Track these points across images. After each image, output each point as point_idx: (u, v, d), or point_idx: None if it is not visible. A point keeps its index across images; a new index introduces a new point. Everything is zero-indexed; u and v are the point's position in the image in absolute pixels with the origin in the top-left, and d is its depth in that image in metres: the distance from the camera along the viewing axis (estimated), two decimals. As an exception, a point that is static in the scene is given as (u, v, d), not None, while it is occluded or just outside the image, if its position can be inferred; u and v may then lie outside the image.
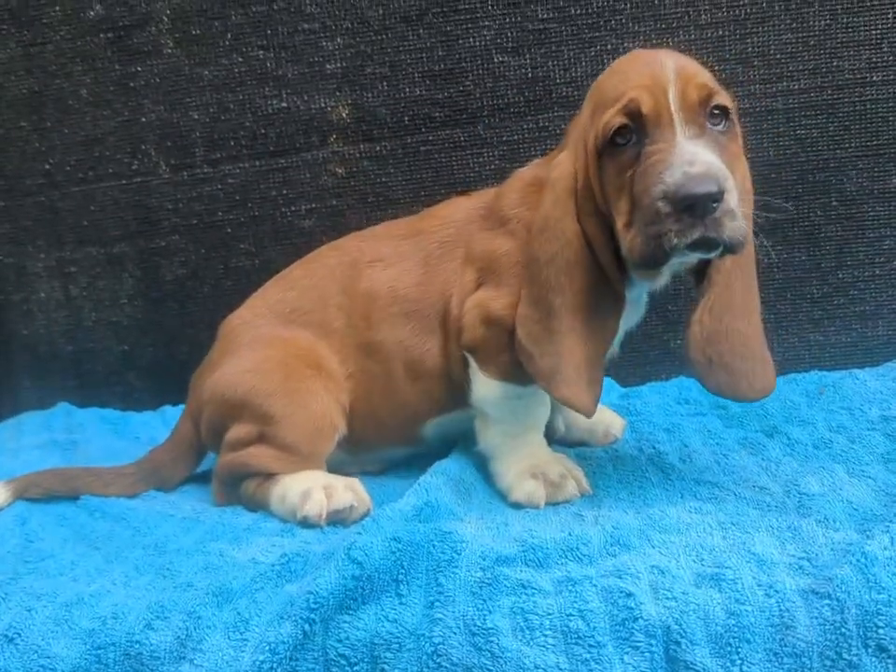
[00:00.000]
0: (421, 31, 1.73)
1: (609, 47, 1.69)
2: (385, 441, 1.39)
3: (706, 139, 1.05)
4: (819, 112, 1.67)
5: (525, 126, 1.75)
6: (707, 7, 1.65)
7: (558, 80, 1.72)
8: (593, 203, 1.13)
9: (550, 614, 0.88)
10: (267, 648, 0.87)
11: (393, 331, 1.32)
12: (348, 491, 1.22)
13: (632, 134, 1.07)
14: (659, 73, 1.07)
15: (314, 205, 1.83)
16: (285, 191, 1.84)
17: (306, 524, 1.21)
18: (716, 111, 1.07)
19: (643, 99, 1.06)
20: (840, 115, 1.67)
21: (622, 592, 0.89)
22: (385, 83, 1.77)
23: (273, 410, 1.29)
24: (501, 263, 1.24)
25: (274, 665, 0.87)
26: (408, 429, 1.36)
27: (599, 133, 1.09)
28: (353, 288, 1.36)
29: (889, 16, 1.63)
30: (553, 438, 1.39)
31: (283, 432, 1.29)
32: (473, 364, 1.26)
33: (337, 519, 1.20)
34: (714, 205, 0.99)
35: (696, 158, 1.00)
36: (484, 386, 1.25)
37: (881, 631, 0.84)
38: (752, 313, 1.17)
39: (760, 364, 1.15)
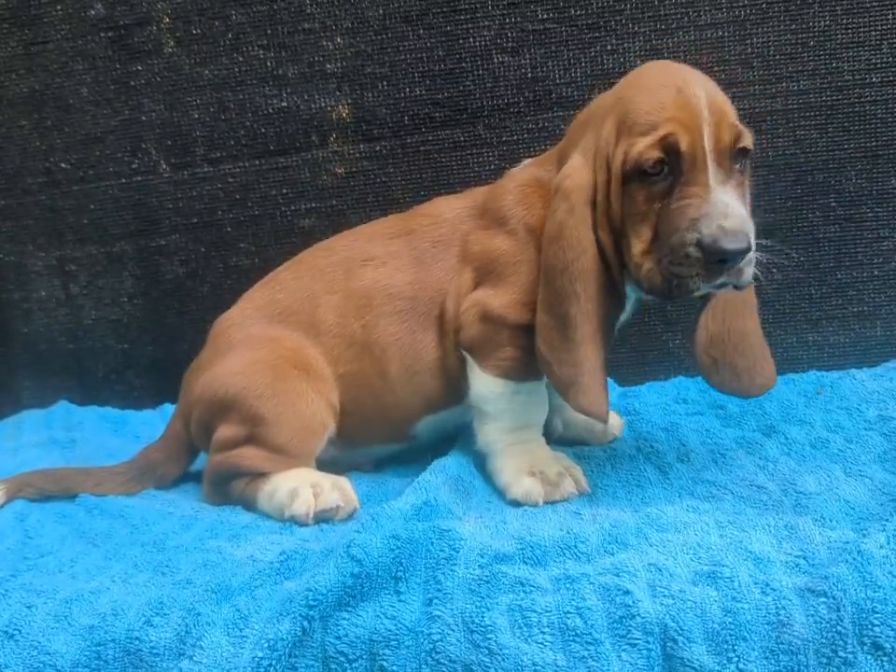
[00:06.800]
0: (421, 31, 1.74)
1: (608, 47, 1.70)
2: (376, 438, 1.40)
3: (732, 184, 1.08)
4: (818, 113, 1.67)
5: (525, 126, 1.75)
6: (706, 8, 1.66)
7: (558, 80, 1.72)
8: (607, 217, 1.14)
9: (548, 611, 0.89)
10: (266, 644, 0.88)
11: (387, 330, 1.33)
12: (335, 490, 1.22)
13: (665, 167, 1.09)
14: (694, 106, 1.08)
15: (313, 205, 1.84)
16: (285, 191, 1.84)
17: (293, 522, 1.21)
18: (740, 152, 1.10)
19: (681, 136, 1.07)
20: (839, 116, 1.67)
21: (619, 589, 0.89)
22: (385, 83, 1.77)
23: (263, 411, 1.29)
24: (500, 262, 1.25)
25: (273, 662, 0.87)
26: (400, 427, 1.37)
27: (631, 160, 1.10)
28: (345, 288, 1.36)
29: (889, 17, 1.63)
30: (551, 437, 1.40)
31: (272, 433, 1.29)
32: (471, 362, 1.27)
33: (324, 518, 1.21)
34: (741, 259, 1.05)
35: (730, 211, 1.05)
36: (483, 384, 1.26)
37: (877, 629, 0.84)
38: (751, 310, 1.22)
39: (760, 360, 1.21)
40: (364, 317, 1.34)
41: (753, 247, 1.06)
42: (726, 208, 1.05)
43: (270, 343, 1.35)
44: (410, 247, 1.35)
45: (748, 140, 1.10)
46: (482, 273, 1.27)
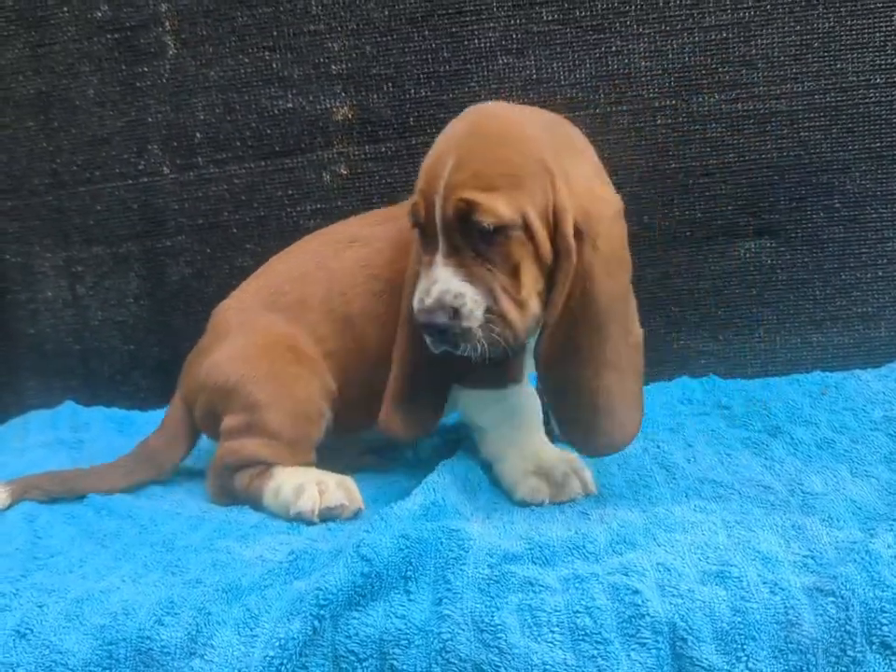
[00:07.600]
0: (426, 32, 1.74)
1: (613, 49, 1.70)
2: (362, 422, 1.37)
3: (459, 258, 1.09)
4: (822, 114, 1.68)
5: (530, 127, 1.75)
6: (711, 10, 1.66)
7: (563, 82, 1.73)
8: None
9: (557, 611, 0.89)
10: (277, 644, 0.88)
11: (366, 307, 1.35)
12: (340, 489, 1.23)
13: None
14: (435, 178, 1.09)
15: (318, 206, 1.84)
16: (290, 192, 1.85)
17: (299, 519, 1.22)
18: (472, 225, 1.07)
19: (420, 208, 1.11)
20: (843, 117, 1.67)
21: (628, 589, 0.90)
22: (389, 84, 1.78)
23: (260, 397, 1.30)
24: None
25: (284, 661, 0.88)
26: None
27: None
28: (332, 266, 1.39)
29: (894, 18, 1.63)
30: (552, 436, 1.39)
31: (269, 418, 1.30)
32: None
33: (329, 516, 1.21)
34: (442, 334, 1.09)
35: (433, 288, 1.08)
36: (466, 398, 1.27)
37: (885, 628, 0.85)
38: (603, 364, 1.12)
39: (608, 419, 1.12)
40: (347, 295, 1.36)
41: (462, 319, 1.07)
42: (432, 285, 1.08)
43: (263, 329, 1.37)
44: (394, 230, 1.37)
45: (485, 216, 1.05)
46: None
